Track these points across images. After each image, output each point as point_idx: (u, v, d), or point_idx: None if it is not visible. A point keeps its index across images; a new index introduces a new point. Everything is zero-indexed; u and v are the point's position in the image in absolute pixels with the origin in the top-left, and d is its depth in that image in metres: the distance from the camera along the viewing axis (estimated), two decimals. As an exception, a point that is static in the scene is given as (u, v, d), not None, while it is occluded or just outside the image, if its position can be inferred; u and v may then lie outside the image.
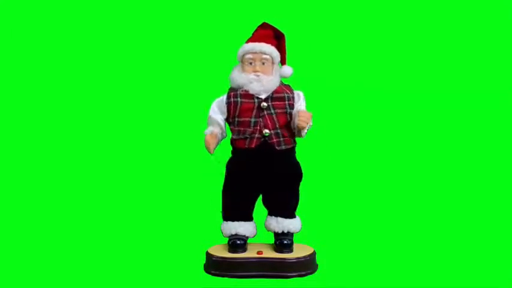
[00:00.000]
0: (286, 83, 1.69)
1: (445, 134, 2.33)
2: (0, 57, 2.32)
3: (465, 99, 2.34)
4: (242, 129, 1.63)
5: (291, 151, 1.67)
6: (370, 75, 2.31)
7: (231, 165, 1.68)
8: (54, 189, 2.23)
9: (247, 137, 1.63)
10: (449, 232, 1.97)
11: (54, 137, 2.31)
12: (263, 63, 1.64)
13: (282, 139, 1.64)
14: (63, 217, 2.07)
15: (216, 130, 1.66)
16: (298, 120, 1.60)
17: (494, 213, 2.11)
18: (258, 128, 1.62)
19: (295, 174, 1.68)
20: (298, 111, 1.62)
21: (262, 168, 1.64)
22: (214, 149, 1.64)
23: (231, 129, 1.66)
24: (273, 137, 1.63)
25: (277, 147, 1.63)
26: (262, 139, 1.63)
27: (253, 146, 1.63)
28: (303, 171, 1.69)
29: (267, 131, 1.62)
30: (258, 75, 1.63)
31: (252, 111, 1.63)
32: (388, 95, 2.31)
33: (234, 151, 1.67)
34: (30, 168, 2.29)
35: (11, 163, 2.29)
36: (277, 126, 1.63)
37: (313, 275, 1.65)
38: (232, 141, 1.67)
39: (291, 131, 1.65)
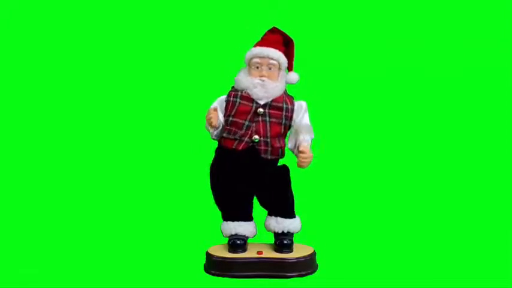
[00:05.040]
0: (289, 94, 1.68)
1: (445, 136, 2.32)
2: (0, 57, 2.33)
3: (466, 100, 2.34)
4: (234, 129, 1.63)
5: (276, 161, 1.67)
6: (373, 82, 2.30)
7: (214, 165, 1.67)
8: (53, 190, 2.22)
9: (236, 139, 1.62)
10: (449, 232, 1.97)
11: (54, 137, 2.31)
12: (270, 69, 1.63)
13: (269, 148, 1.63)
14: (63, 217, 2.07)
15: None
16: (300, 161, 1.60)
17: (495, 213, 2.11)
18: (250, 132, 1.62)
19: (281, 175, 1.67)
20: (300, 148, 1.61)
21: (247, 172, 1.64)
22: (216, 125, 1.61)
23: (222, 127, 1.65)
24: (262, 144, 1.62)
25: (263, 155, 1.63)
26: (251, 144, 1.62)
27: (240, 148, 1.62)
28: (289, 169, 1.68)
29: (256, 137, 1.62)
30: (263, 80, 1.62)
31: (248, 115, 1.62)
32: (388, 98, 2.31)
33: (219, 149, 1.67)
34: (30, 168, 2.28)
35: (11, 163, 2.29)
36: (268, 135, 1.62)
37: (313, 275, 1.65)
38: (220, 139, 1.66)
39: (281, 143, 1.65)
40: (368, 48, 2.30)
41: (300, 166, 1.61)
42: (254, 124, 1.62)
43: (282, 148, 1.66)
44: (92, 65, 2.32)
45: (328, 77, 2.24)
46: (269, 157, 1.64)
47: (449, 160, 2.31)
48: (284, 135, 1.66)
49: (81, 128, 2.32)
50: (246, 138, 1.62)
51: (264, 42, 1.66)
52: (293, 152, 1.66)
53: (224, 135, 1.64)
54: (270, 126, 1.63)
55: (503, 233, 1.96)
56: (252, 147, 1.62)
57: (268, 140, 1.63)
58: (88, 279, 1.62)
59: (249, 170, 1.64)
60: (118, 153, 2.30)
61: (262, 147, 1.63)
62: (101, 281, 1.60)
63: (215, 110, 1.61)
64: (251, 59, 1.64)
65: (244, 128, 1.62)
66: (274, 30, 1.68)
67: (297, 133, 1.64)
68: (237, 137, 1.62)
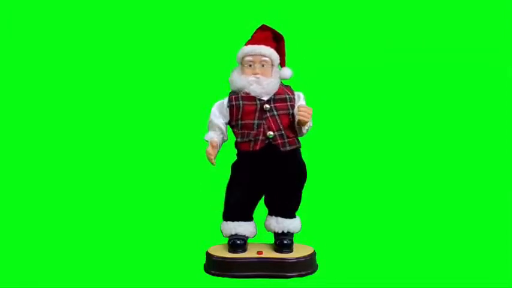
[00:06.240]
0: (286, 84, 1.69)
1: (445, 134, 2.32)
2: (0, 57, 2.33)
3: (465, 99, 2.33)
4: (246, 132, 1.63)
5: (296, 151, 1.67)
6: (369, 76, 2.30)
7: (236, 168, 1.68)
8: (54, 190, 2.22)
9: (251, 140, 1.63)
10: (449, 232, 1.97)
11: (54, 137, 2.31)
12: (262, 66, 1.64)
13: (286, 140, 1.63)
14: (63, 218, 2.07)
15: (216, 138, 1.65)
16: (299, 115, 1.60)
17: (494, 213, 2.11)
18: (262, 130, 1.62)
19: (301, 174, 1.68)
20: (298, 106, 1.62)
21: (268, 170, 1.64)
22: (215, 158, 1.64)
23: (234, 133, 1.66)
24: (278, 138, 1.63)
25: (282, 149, 1.63)
26: (267, 141, 1.62)
27: (257, 148, 1.62)
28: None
29: (271, 133, 1.62)
30: (257, 78, 1.63)
31: (255, 114, 1.63)
32: (387, 95, 2.31)
33: (239, 154, 1.67)
34: (31, 168, 2.29)
35: (11, 163, 2.29)
36: (281, 127, 1.63)
37: (313, 275, 1.65)
38: (237, 144, 1.66)
39: (295, 132, 1.65)
40: (362, 43, 2.30)
41: (301, 120, 1.60)
42: (264, 121, 1.63)
43: (297, 136, 1.66)
44: (91, 66, 2.32)
45: (322, 72, 2.23)
46: (288, 148, 1.64)
47: (449, 159, 2.31)
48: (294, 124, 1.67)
49: (81, 129, 2.32)
50: (261, 137, 1.62)
51: (255, 40, 1.67)
52: None
53: (238, 140, 1.65)
54: (280, 119, 1.63)
55: (503, 233, 1.96)
56: (269, 144, 1.63)
57: (283, 132, 1.63)
58: (88, 279, 1.61)
59: (271, 166, 1.64)
60: (118, 154, 2.30)
61: (279, 141, 1.63)
62: (101, 281, 1.60)
63: (212, 146, 1.63)
64: (243, 57, 1.65)
65: (255, 127, 1.62)
66: (264, 28, 1.69)
67: (295, 114, 1.64)
68: (251, 138, 1.63)
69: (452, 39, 2.32)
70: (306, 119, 1.60)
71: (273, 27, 1.69)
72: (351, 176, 2.27)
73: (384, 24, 2.30)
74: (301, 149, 1.68)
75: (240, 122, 1.63)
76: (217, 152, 1.66)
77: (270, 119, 1.63)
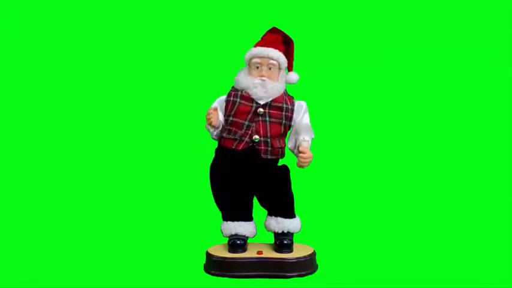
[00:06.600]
0: (289, 94, 1.68)
1: (445, 135, 2.32)
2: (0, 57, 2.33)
3: (466, 100, 2.33)
4: (234, 129, 1.63)
5: (276, 161, 1.67)
6: (373, 82, 2.30)
7: (216, 166, 1.67)
8: (53, 190, 2.22)
9: (236, 139, 1.63)
10: (449, 232, 1.97)
11: (54, 137, 2.31)
12: (270, 69, 1.64)
13: (269, 148, 1.63)
14: (62, 218, 2.07)
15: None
16: (300, 162, 1.60)
17: (495, 213, 2.11)
18: (250, 132, 1.62)
19: (279, 175, 1.67)
20: (300, 148, 1.61)
21: (246, 172, 1.64)
22: (216, 125, 1.60)
23: (222, 127, 1.66)
24: (262, 144, 1.62)
25: (263, 155, 1.63)
26: (251, 144, 1.62)
27: (239, 148, 1.62)
28: (289, 169, 1.68)
29: (257, 136, 1.62)
30: (263, 80, 1.62)
31: (248, 115, 1.62)
32: (389, 99, 2.30)
33: (219, 149, 1.67)
34: (30, 168, 2.28)
35: (11, 163, 2.29)
36: (269, 134, 1.63)
37: (313, 275, 1.65)
38: (220, 139, 1.66)
39: (282, 144, 1.65)
40: (368, 48, 2.30)
41: (300, 166, 1.61)
42: (254, 124, 1.62)
43: (282, 148, 1.66)
44: (92, 66, 2.32)
45: (328, 77, 2.24)
46: (269, 157, 1.64)
47: (449, 160, 2.31)
48: (284, 135, 1.66)
49: (81, 129, 2.32)
50: (246, 138, 1.62)
51: (264, 42, 1.66)
52: (293, 152, 1.66)
53: (224, 135, 1.64)
54: (270, 126, 1.63)
55: (503, 233, 1.96)
56: (252, 147, 1.63)
57: (268, 140, 1.63)
58: (88, 279, 1.62)
59: (249, 170, 1.64)
60: (118, 154, 2.30)
61: (262, 147, 1.63)
62: (101, 281, 1.60)
63: (215, 109, 1.61)
64: (251, 59, 1.64)
65: (245, 128, 1.62)
66: (274, 30, 1.69)
67: (297, 133, 1.64)
68: (237, 137, 1.63)
69: (453, 41, 2.33)
70: (305, 166, 1.60)
71: (283, 31, 1.68)
72: (351, 176, 2.27)
73: (387, 29, 2.29)
74: (283, 159, 1.67)
75: (231, 118, 1.63)
76: (219, 121, 1.61)
77: (260, 123, 1.62)
